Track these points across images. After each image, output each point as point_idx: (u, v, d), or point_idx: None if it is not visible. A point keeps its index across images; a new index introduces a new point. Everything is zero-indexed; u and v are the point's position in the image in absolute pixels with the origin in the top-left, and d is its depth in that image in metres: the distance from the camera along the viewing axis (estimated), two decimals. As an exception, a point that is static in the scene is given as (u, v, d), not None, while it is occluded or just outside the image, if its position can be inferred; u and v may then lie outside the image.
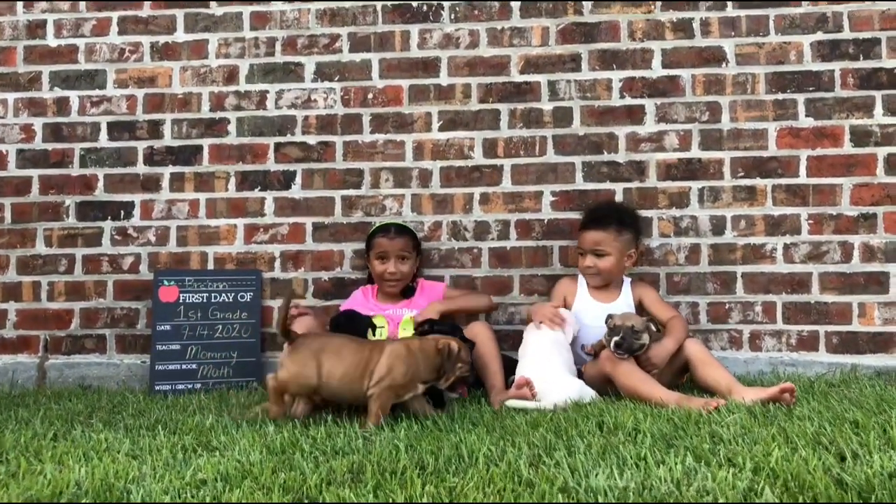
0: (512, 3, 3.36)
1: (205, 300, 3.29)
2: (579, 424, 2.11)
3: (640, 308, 3.02)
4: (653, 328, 2.73)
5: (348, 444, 1.92)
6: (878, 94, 3.19)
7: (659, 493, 1.45)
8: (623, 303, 3.01)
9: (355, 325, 2.87)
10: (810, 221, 3.20)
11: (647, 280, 3.20)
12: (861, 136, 3.19)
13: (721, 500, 1.41)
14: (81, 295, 3.42)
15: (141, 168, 3.46)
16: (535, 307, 2.96)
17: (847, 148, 3.19)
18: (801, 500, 1.40)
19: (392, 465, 1.68)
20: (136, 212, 3.45)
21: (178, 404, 2.73)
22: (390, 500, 1.43)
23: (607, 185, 3.30)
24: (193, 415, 2.45)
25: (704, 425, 2.03)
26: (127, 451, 1.90)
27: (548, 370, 2.65)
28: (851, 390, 2.65)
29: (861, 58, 3.21)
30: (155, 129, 3.47)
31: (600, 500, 1.44)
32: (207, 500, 1.46)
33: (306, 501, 1.46)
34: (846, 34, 3.22)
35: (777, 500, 1.41)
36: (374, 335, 2.90)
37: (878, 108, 3.19)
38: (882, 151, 3.18)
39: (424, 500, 1.45)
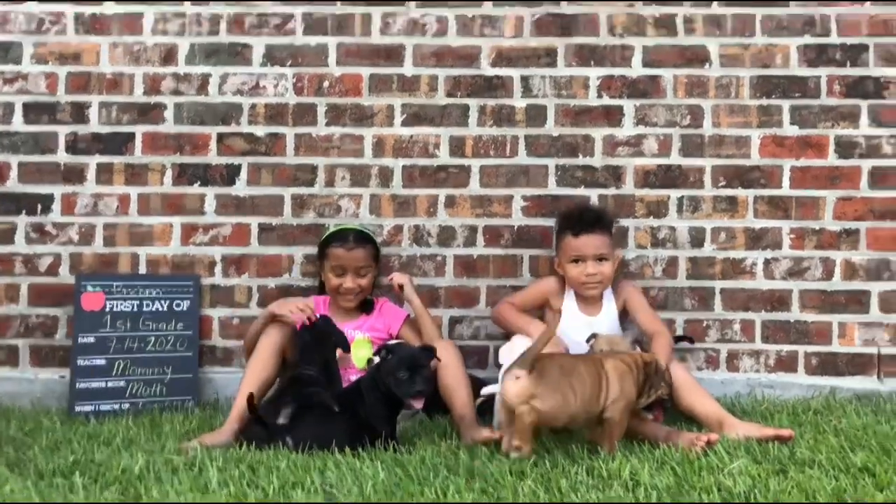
0: (484, -10, 3.09)
1: (135, 308, 2.93)
2: (568, 471, 1.87)
3: (624, 313, 2.80)
4: (638, 350, 2.52)
5: (307, 500, 1.63)
6: (864, 104, 3.05)
7: (691, 587, 1.22)
8: (607, 313, 2.78)
9: (324, 342, 2.56)
10: (792, 236, 3.04)
11: (628, 279, 2.98)
12: (846, 148, 3.05)
13: None
14: (-10, 299, 3.01)
15: (62, 156, 3.06)
16: (528, 327, 2.68)
17: (832, 159, 3.05)
18: None
19: (365, 541, 1.41)
20: (56, 206, 3.05)
21: (101, 434, 2.38)
22: None
23: (582, 191, 3.07)
24: (119, 453, 2.11)
25: (708, 475, 1.82)
26: (35, 514, 1.57)
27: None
28: (840, 420, 2.51)
29: (848, 64, 3.06)
30: (79, 113, 3.07)
31: None
32: None
33: None
34: (833, 39, 3.07)
35: None
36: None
37: (864, 119, 3.05)
38: (867, 164, 3.04)
39: None
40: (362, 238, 2.83)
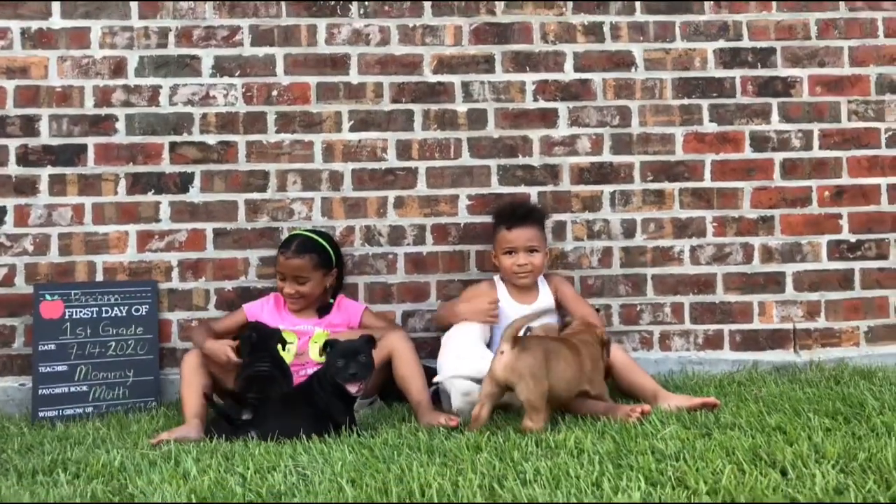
0: (424, 2, 3.25)
1: (94, 315, 3.00)
2: (519, 444, 2.06)
3: (557, 303, 3.01)
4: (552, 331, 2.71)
5: (284, 483, 1.78)
6: (774, 102, 3.33)
7: (628, 528, 1.42)
8: (543, 301, 2.98)
9: (267, 340, 2.70)
10: (714, 224, 3.30)
11: (560, 275, 3.19)
12: (760, 142, 3.32)
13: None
14: (-54, 312, 3.03)
15: (13, 169, 3.10)
16: (463, 306, 2.87)
17: (747, 153, 3.32)
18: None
19: (341, 510, 1.56)
20: (10, 218, 3.09)
21: (71, 436, 2.46)
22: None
23: (522, 189, 3.27)
24: (94, 450, 2.21)
25: (643, 440, 2.03)
26: (27, 510, 1.67)
27: (463, 349, 2.66)
28: (760, 389, 2.76)
29: (759, 66, 3.34)
30: (29, 126, 3.12)
31: (571, 539, 1.39)
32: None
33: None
34: (745, 43, 3.34)
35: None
36: (283, 350, 2.75)
37: (775, 115, 3.33)
38: (778, 156, 3.32)
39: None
40: (305, 247, 2.92)
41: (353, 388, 2.37)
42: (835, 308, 3.30)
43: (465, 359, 2.62)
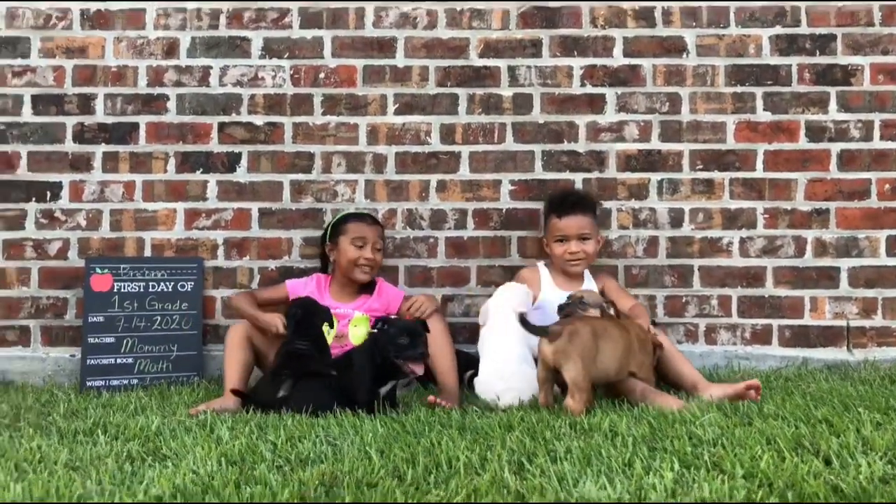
0: (472, -16, 3.24)
1: (142, 289, 3.07)
2: (553, 425, 2.03)
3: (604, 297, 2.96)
4: (606, 307, 2.65)
5: (314, 451, 1.78)
6: (832, 90, 3.22)
7: (657, 506, 1.38)
8: (588, 288, 2.94)
9: (312, 318, 2.70)
10: (766, 216, 3.21)
11: (607, 271, 3.15)
12: (816, 132, 3.21)
13: (722, 512, 1.35)
14: (2, 282, 3.14)
15: (70, 146, 3.20)
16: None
17: (802, 143, 3.21)
18: (805, 512, 1.35)
19: (367, 476, 1.56)
20: (65, 193, 3.18)
21: (114, 403, 2.52)
22: (374, 520, 1.31)
23: (567, 175, 3.22)
24: (135, 416, 2.25)
25: (681, 426, 1.98)
26: (65, 462, 1.71)
27: (506, 369, 2.56)
28: (808, 385, 2.67)
29: (817, 53, 3.23)
30: (86, 104, 3.20)
31: (597, 514, 1.36)
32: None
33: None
34: (803, 29, 3.23)
35: (779, 512, 1.36)
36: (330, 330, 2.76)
37: (833, 104, 3.21)
38: (835, 147, 3.21)
39: (409, 517, 1.33)
40: (376, 219, 3.06)
41: (419, 369, 2.38)
42: (892, 306, 3.17)
43: (506, 379, 2.53)
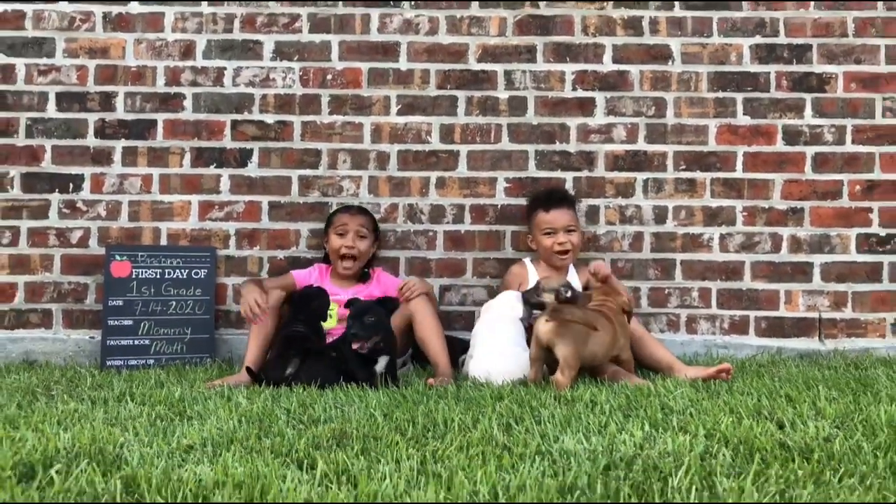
0: (471, -7, 3.45)
1: (158, 276, 3.27)
2: (539, 396, 2.24)
3: (586, 288, 3.16)
4: (563, 292, 2.80)
5: (324, 414, 1.99)
6: (808, 97, 3.43)
7: (626, 455, 1.58)
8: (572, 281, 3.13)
9: (308, 302, 2.91)
10: (744, 213, 3.41)
11: (594, 265, 3.36)
12: (792, 136, 3.42)
13: (681, 461, 1.55)
14: (26, 268, 3.34)
15: (91, 140, 3.40)
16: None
17: (779, 146, 3.42)
18: (753, 460, 1.55)
19: (373, 432, 1.77)
20: (86, 185, 3.38)
21: (136, 378, 2.72)
22: (380, 463, 1.52)
23: (558, 174, 3.43)
24: (158, 387, 2.46)
25: (655, 398, 2.19)
26: (103, 420, 1.91)
27: (496, 348, 2.76)
28: (780, 370, 2.87)
29: (794, 62, 3.44)
30: (107, 102, 3.41)
31: (573, 461, 1.56)
32: (205, 461, 1.51)
33: (307, 465, 1.52)
34: (782, 39, 3.44)
35: (731, 460, 1.56)
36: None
37: (808, 110, 3.43)
38: (810, 150, 3.42)
39: (410, 463, 1.53)
40: (363, 209, 3.24)
41: (354, 346, 2.55)
42: (862, 299, 3.38)
43: (504, 357, 2.71)
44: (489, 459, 1.55)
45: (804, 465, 1.51)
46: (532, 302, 2.84)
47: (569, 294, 2.73)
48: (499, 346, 2.73)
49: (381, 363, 2.61)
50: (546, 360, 2.58)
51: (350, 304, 2.69)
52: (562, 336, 2.48)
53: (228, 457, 1.55)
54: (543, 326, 2.52)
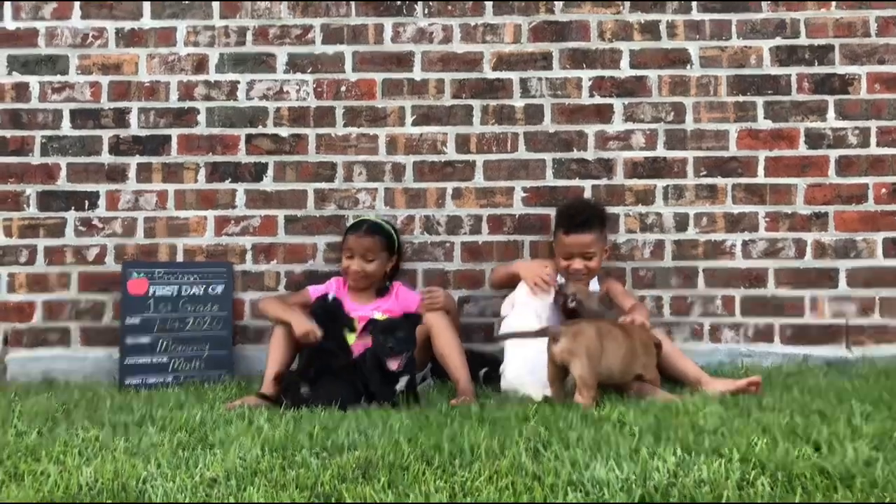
0: (485, 1, 3.40)
1: (175, 293, 3.25)
2: (565, 416, 2.19)
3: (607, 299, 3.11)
4: (587, 296, 2.83)
5: (347, 439, 1.95)
6: (830, 99, 3.36)
7: (661, 485, 1.54)
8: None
9: (332, 318, 2.88)
10: (767, 219, 3.35)
11: (614, 274, 3.31)
12: (815, 139, 3.36)
13: (718, 491, 1.51)
14: (44, 287, 3.33)
15: (106, 157, 3.38)
16: (519, 263, 3.11)
17: (802, 149, 3.36)
18: (793, 489, 1.50)
19: (398, 460, 1.73)
20: (102, 202, 3.37)
21: (155, 399, 2.70)
22: (409, 497, 1.48)
23: (576, 182, 3.39)
24: (178, 409, 2.43)
25: (685, 416, 2.14)
26: (124, 450, 1.89)
27: (527, 364, 2.72)
28: (807, 380, 2.82)
29: (816, 63, 3.37)
30: (121, 118, 3.39)
31: (606, 491, 1.52)
32: (230, 499, 1.48)
33: (333, 501, 1.49)
34: (803, 40, 3.38)
35: (770, 489, 1.51)
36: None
37: (831, 112, 3.36)
38: (834, 153, 3.35)
39: (438, 496, 1.49)
40: (375, 230, 3.14)
41: (392, 364, 2.54)
42: (890, 305, 3.31)
43: (535, 373, 2.66)
44: (520, 492, 1.51)
45: (847, 495, 1.46)
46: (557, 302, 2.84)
47: (573, 304, 2.70)
48: (529, 365, 2.68)
49: (402, 382, 2.58)
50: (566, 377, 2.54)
51: (372, 322, 2.66)
52: (574, 354, 2.45)
53: (253, 492, 1.52)
54: (556, 346, 2.49)
